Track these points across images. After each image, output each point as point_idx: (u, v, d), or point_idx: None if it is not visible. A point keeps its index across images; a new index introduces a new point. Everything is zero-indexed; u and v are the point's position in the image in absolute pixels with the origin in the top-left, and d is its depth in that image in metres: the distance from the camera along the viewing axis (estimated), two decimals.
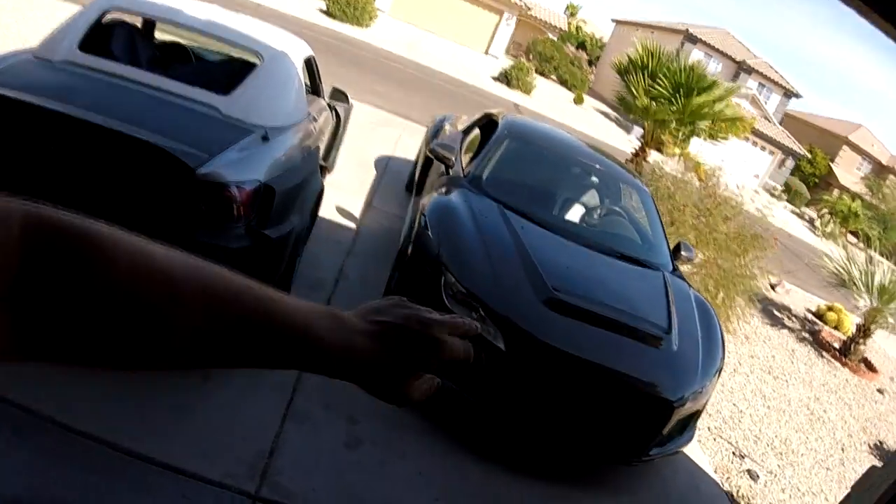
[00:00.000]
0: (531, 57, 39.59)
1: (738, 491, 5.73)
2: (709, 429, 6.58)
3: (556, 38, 43.06)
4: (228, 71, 5.66)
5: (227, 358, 0.76)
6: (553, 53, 40.73)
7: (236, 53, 5.99)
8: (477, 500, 4.07)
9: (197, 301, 0.71)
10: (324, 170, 7.11)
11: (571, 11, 64.35)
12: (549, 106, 29.95)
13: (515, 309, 4.26)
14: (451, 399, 4.32)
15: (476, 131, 7.20)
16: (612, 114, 38.83)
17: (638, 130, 14.50)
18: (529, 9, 38.94)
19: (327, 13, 27.19)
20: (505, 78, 30.31)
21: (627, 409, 4.33)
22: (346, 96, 6.68)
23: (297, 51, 5.52)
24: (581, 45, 55.21)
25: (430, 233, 4.77)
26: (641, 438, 4.39)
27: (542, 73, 38.70)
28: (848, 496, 4.47)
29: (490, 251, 4.65)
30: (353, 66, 17.99)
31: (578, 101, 36.34)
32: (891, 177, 50.78)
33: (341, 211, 7.25)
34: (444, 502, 3.93)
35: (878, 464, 8.20)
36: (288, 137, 4.61)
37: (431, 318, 0.88)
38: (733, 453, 6.36)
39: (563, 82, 40.72)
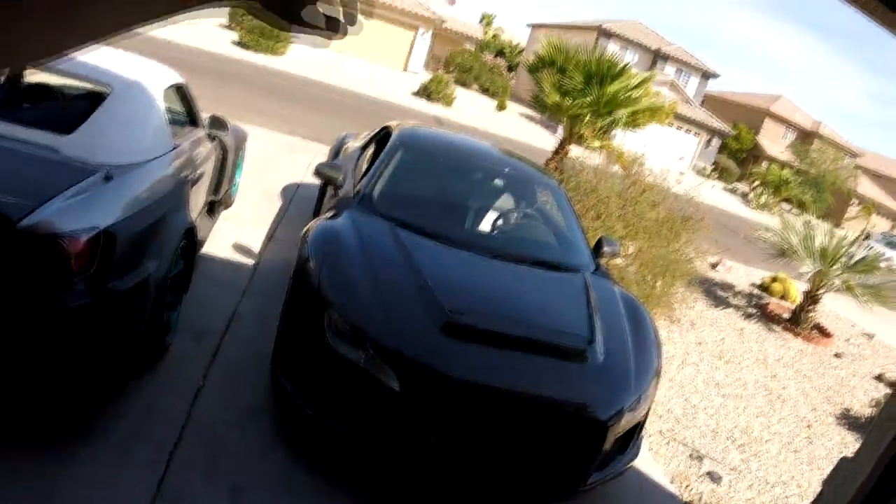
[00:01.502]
0: (450, 69, 39.31)
1: (699, 499, 5.24)
2: (660, 432, 6.09)
3: (473, 49, 42.87)
4: (78, 107, 5.06)
5: None
6: (472, 63, 40.58)
7: (90, 87, 5.41)
8: None
9: None
10: (216, 205, 6.55)
11: (487, 21, 64.41)
12: (472, 115, 29.67)
13: (408, 341, 3.68)
14: (350, 452, 3.75)
15: (372, 147, 6.65)
16: (537, 116, 38.81)
17: (561, 129, 14.11)
18: (444, 21, 38.61)
19: (241, 44, 26.57)
20: (425, 92, 29.87)
21: (554, 436, 3.77)
22: (226, 124, 6.09)
23: (158, 79, 4.95)
24: (500, 53, 55.37)
25: (311, 264, 4.19)
26: (576, 467, 3.83)
27: (462, 84, 38.52)
28: (820, 494, 4.01)
29: (378, 279, 4.08)
30: (266, 94, 17.40)
31: (501, 107, 36.16)
32: (816, 141, 51.69)
33: (239, 247, 6.64)
34: None
35: (849, 435, 7.86)
36: (140, 175, 4.04)
37: None
38: (690, 456, 5.87)
39: (484, 91, 40.60)
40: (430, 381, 3.54)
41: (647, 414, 4.36)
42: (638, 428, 4.33)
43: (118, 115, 4.29)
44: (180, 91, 5.59)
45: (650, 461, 5.40)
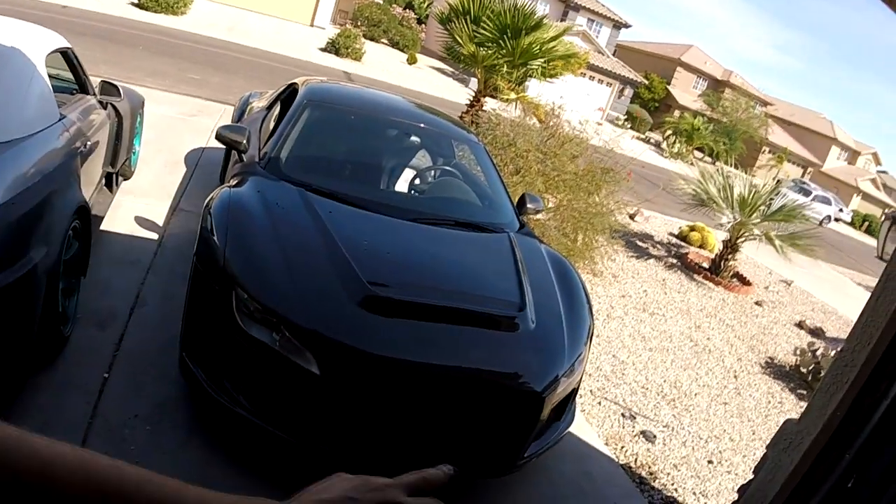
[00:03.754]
0: (359, 23, 38.44)
1: (635, 460, 5.09)
2: (591, 392, 5.93)
3: (382, 1, 42.04)
4: None
5: None
6: (381, 17, 39.72)
7: None
8: None
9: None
10: (115, 177, 6.10)
11: None
12: (383, 70, 29.13)
13: (325, 319, 3.35)
14: (270, 441, 3.44)
15: (278, 106, 6.23)
16: (448, 69, 38.56)
17: (475, 82, 13.76)
18: None
19: (139, 6, 25.28)
20: (333, 48, 29.09)
21: (488, 411, 3.52)
22: (118, 89, 5.61)
23: (39, 44, 4.47)
24: (409, 6, 54.44)
25: (215, 237, 3.80)
26: (512, 442, 3.59)
27: (371, 38, 37.69)
28: (764, 457, 3.85)
29: (289, 251, 3.73)
30: (166, 57, 16.56)
31: (412, 61, 35.60)
32: (727, 90, 52.61)
33: (141, 221, 6.19)
34: None
35: (775, 384, 7.86)
36: (21, 152, 3.61)
37: (384, 484, 0.77)
38: (623, 415, 5.72)
39: (394, 45, 39.89)
40: (353, 361, 3.24)
41: (581, 378, 4.15)
42: (573, 393, 4.13)
43: None
44: (66, 56, 5.12)
45: (584, 424, 5.23)
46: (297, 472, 3.61)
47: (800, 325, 10.75)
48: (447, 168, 5.94)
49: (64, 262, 3.83)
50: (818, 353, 8.45)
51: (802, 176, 55.00)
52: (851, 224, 49.66)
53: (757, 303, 11.18)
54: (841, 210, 45.68)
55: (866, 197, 60.43)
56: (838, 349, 3.58)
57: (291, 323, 3.27)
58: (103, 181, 5.72)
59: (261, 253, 3.71)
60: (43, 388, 3.61)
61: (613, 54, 49.31)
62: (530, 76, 13.03)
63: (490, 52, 12.10)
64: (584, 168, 8.99)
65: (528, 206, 5.57)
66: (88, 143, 4.77)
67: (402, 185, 5.66)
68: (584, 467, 4.61)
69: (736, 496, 3.93)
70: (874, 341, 3.20)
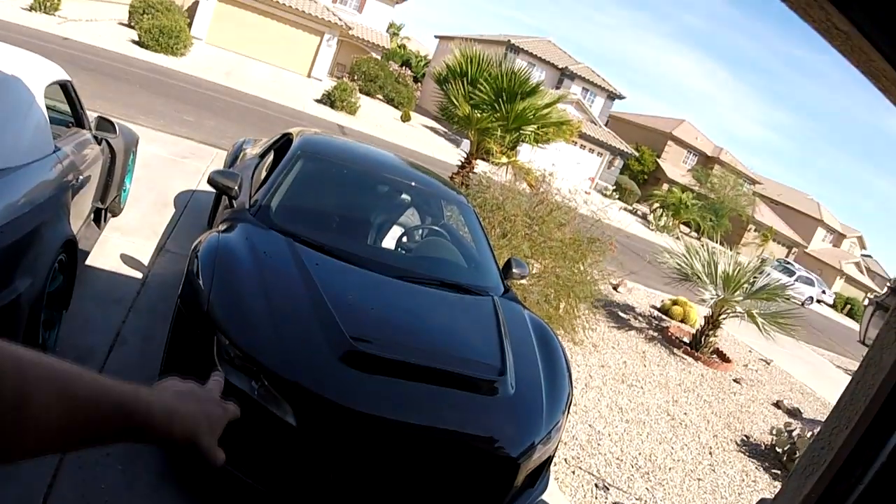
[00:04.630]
0: (355, 77, 38.83)
1: None
2: (565, 460, 5.89)
3: (379, 57, 42.54)
4: None
5: (62, 436, 0.80)
6: (378, 72, 40.11)
7: None
8: None
9: (52, 401, 0.77)
10: (103, 213, 6.11)
11: (394, 30, 64.15)
12: (376, 125, 29.36)
13: (306, 371, 3.34)
14: (241, 493, 3.39)
15: (271, 155, 6.27)
16: (441, 129, 38.88)
17: (467, 143, 13.90)
18: (350, 28, 38.11)
19: (139, 44, 25.58)
20: (328, 100, 29.37)
21: (462, 474, 3.50)
22: (114, 125, 5.64)
23: (38, 74, 4.50)
24: (406, 63, 55.17)
25: (200, 281, 3.80)
26: None
27: (367, 93, 38.05)
28: None
29: (274, 300, 3.73)
30: (163, 97, 16.70)
31: (406, 118, 35.92)
32: (716, 166, 53.26)
33: (127, 259, 6.19)
34: None
35: (749, 462, 7.83)
36: (12, 181, 3.63)
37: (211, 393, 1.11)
38: (596, 485, 5.68)
39: (389, 101, 40.23)
40: (330, 415, 3.23)
41: (556, 447, 4.14)
42: (548, 461, 4.11)
43: None
44: (64, 89, 5.15)
45: (556, 492, 5.19)
46: None
47: (777, 404, 10.74)
48: (435, 228, 5.97)
49: (47, 294, 3.82)
50: (794, 433, 8.44)
51: (787, 255, 55.47)
52: (833, 306, 50.00)
53: (736, 380, 11.18)
54: (824, 292, 46.02)
55: (850, 280, 61.01)
56: (815, 431, 3.60)
57: (271, 373, 3.26)
58: (92, 216, 5.72)
59: (245, 300, 3.71)
60: None
61: (606, 124, 49.93)
62: (523, 141, 13.19)
63: (485, 114, 12.25)
64: (570, 236, 9.05)
65: (514, 270, 5.60)
66: (80, 177, 4.78)
67: (389, 242, 5.68)
68: None
69: None
70: (852, 425, 3.21)
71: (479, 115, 12.23)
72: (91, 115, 5.62)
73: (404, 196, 6.22)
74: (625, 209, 43.40)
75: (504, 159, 12.16)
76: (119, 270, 5.96)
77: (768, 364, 13.51)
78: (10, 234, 3.31)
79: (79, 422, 0.81)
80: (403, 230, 5.85)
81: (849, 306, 50.00)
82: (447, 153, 28.29)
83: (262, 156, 6.55)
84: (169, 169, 10.00)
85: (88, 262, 5.60)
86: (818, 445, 3.35)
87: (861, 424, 3.16)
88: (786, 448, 8.18)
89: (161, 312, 5.23)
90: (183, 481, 3.69)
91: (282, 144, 6.13)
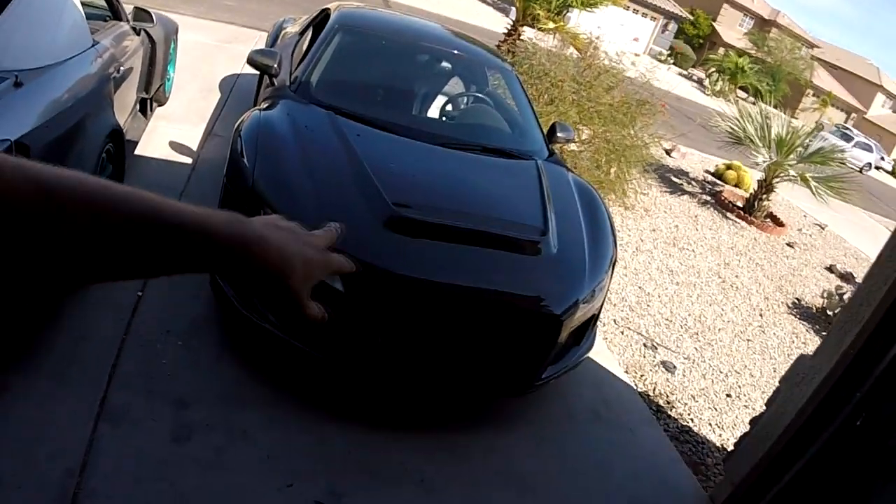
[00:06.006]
0: None
1: (654, 389, 5.15)
2: (615, 321, 5.98)
3: None
4: None
5: (129, 263, 0.77)
6: None
7: None
8: (343, 473, 3.31)
9: (78, 206, 0.71)
10: (149, 103, 6.17)
11: None
12: None
13: (350, 238, 3.40)
14: (296, 357, 3.55)
15: (311, 31, 6.22)
16: None
17: (515, 11, 13.56)
18: None
19: None
20: None
21: (506, 332, 3.59)
22: (151, 15, 5.63)
23: None
24: None
25: (244, 159, 3.86)
26: (529, 363, 3.67)
27: None
28: (777, 390, 3.89)
29: (317, 173, 3.78)
30: None
31: None
32: (774, 30, 51.44)
33: (175, 146, 6.28)
34: (300, 484, 3.17)
35: (800, 325, 7.86)
36: (54, 77, 3.69)
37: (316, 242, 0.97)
38: (644, 345, 5.77)
39: None
40: (376, 280, 3.31)
41: (602, 305, 4.20)
42: (593, 319, 4.18)
43: (27, 16, 3.87)
44: None
45: (605, 351, 5.28)
46: (324, 388, 3.74)
47: (830, 269, 10.66)
48: (479, 95, 5.92)
49: None
50: (845, 297, 8.41)
51: (846, 121, 53.89)
52: (892, 173, 48.73)
53: (789, 244, 11.09)
54: (883, 158, 44.80)
55: None
56: None
57: None
58: (137, 107, 5.78)
59: (288, 174, 3.78)
60: (80, 303, 3.74)
61: None
62: (570, 5, 12.83)
63: None
64: (618, 100, 8.91)
65: (559, 134, 5.57)
66: (122, 68, 4.83)
67: (432, 111, 5.67)
68: (603, 393, 4.68)
69: (748, 428, 4.01)
70: (891, 281, 3.21)
71: None
72: (128, 8, 5.62)
73: (446, 65, 6.15)
74: (680, 74, 42.31)
75: (551, 25, 11.89)
76: (169, 158, 6.06)
77: (823, 229, 13.33)
78: (56, 127, 3.39)
79: (131, 240, 0.75)
80: (446, 99, 5.82)
81: None
82: (495, 22, 27.66)
83: (302, 33, 6.50)
84: (213, 55, 9.98)
85: (138, 151, 5.69)
86: (857, 301, 3.36)
87: None
88: (836, 311, 8.18)
89: (212, 196, 5.29)
90: (241, 352, 3.85)
91: (320, 20, 6.07)
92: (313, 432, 3.47)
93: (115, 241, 0.74)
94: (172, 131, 6.57)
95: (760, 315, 7.67)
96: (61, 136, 3.45)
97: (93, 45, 4.33)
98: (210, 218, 0.82)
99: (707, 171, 14.16)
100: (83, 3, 4.40)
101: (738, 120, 11.87)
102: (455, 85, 6.11)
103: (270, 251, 0.85)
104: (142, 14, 5.57)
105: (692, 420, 5.00)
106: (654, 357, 5.65)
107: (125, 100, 5.07)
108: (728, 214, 11.38)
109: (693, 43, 50.85)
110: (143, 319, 3.82)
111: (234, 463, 3.16)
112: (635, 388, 5.03)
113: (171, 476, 2.98)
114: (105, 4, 5.38)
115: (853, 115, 57.94)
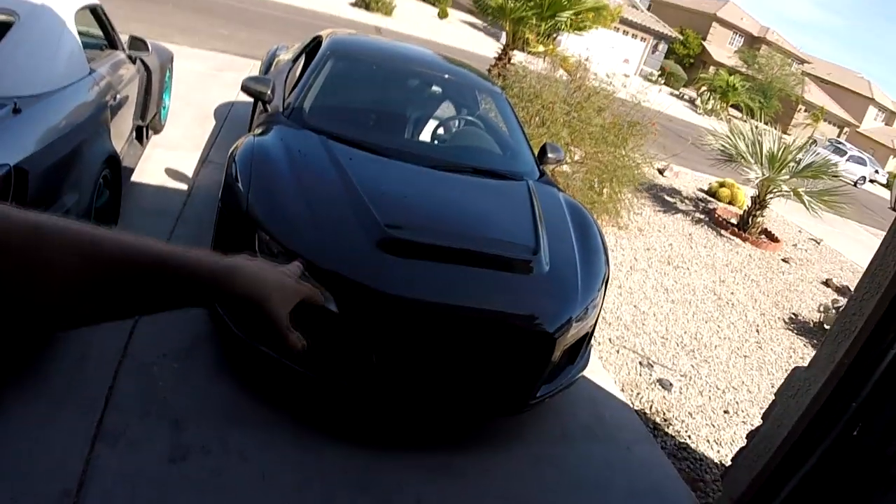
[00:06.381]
0: None
1: (650, 407, 5.15)
2: (610, 340, 5.99)
3: None
4: None
5: (114, 302, 0.82)
6: None
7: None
8: (339, 493, 3.32)
9: (67, 248, 0.76)
10: (145, 130, 6.23)
11: None
12: (413, 24, 29.05)
13: (344, 260, 3.46)
14: (291, 378, 3.56)
15: (303, 58, 6.29)
16: (480, 23, 38.31)
17: (505, 36, 13.68)
18: None
19: None
20: (363, 2, 29.04)
21: (500, 351, 3.61)
22: (147, 44, 5.71)
23: (66, 1, 4.56)
24: None
25: (239, 183, 3.90)
26: (524, 381, 3.68)
27: None
28: (773, 403, 3.89)
29: (310, 196, 3.82)
30: (196, 13, 16.59)
31: (443, 15, 35.48)
32: (764, 47, 51.80)
33: (171, 173, 6.33)
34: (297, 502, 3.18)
35: (797, 340, 7.87)
36: (52, 104, 3.76)
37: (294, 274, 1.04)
38: (640, 363, 5.78)
39: None
40: (369, 298, 3.34)
41: (595, 323, 4.21)
42: (587, 338, 4.19)
43: (25, 44, 3.96)
44: (94, 12, 5.21)
45: (600, 370, 5.29)
46: (320, 409, 3.75)
47: (826, 283, 10.68)
48: (470, 118, 5.98)
49: (95, 210, 3.98)
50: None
51: (838, 136, 54.10)
52: (886, 186, 48.85)
53: (784, 260, 11.13)
54: (877, 171, 44.92)
55: None
56: None
57: (311, 263, 3.36)
58: (134, 134, 5.83)
59: (282, 197, 3.82)
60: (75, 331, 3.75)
61: (648, 8, 48.72)
62: (559, 29, 12.93)
63: (518, 3, 12.02)
64: (609, 121, 8.96)
65: (549, 155, 5.61)
66: (118, 96, 4.89)
67: (423, 134, 5.72)
68: (598, 411, 4.69)
69: (745, 442, 4.00)
70: (882, 290, 3.22)
71: (512, 4, 12.01)
72: (124, 38, 5.69)
73: (436, 89, 6.21)
74: (672, 94, 42.56)
75: (541, 48, 12.00)
76: (165, 184, 6.10)
77: (818, 243, 13.36)
78: (54, 153, 3.45)
79: (116, 280, 0.80)
80: (437, 122, 5.87)
81: None
82: (486, 47, 27.86)
83: (294, 60, 6.57)
84: (207, 83, 10.05)
85: (134, 178, 5.72)
86: (849, 312, 3.37)
87: (891, 289, 3.16)
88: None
89: (207, 221, 5.33)
90: (237, 373, 3.86)
91: (313, 47, 6.14)
92: (309, 452, 3.48)
93: (103, 281, 0.78)
94: (168, 158, 6.61)
95: (757, 331, 7.68)
96: (59, 161, 3.49)
97: (90, 73, 4.40)
98: (188, 253, 0.88)
99: (700, 190, 14.22)
100: (80, 33, 4.47)
101: (730, 137, 11.94)
102: (446, 108, 6.17)
103: (245, 278, 0.92)
104: (137, 43, 5.65)
105: (690, 437, 5.00)
106: (650, 375, 5.65)
107: (121, 127, 5.11)
108: (722, 232, 11.41)
109: (684, 62, 51.20)
110: (139, 342, 3.84)
111: (230, 483, 3.18)
112: (631, 406, 5.03)
113: (167, 497, 3.00)
114: (102, 34, 5.45)
115: (846, 129, 58.22)
